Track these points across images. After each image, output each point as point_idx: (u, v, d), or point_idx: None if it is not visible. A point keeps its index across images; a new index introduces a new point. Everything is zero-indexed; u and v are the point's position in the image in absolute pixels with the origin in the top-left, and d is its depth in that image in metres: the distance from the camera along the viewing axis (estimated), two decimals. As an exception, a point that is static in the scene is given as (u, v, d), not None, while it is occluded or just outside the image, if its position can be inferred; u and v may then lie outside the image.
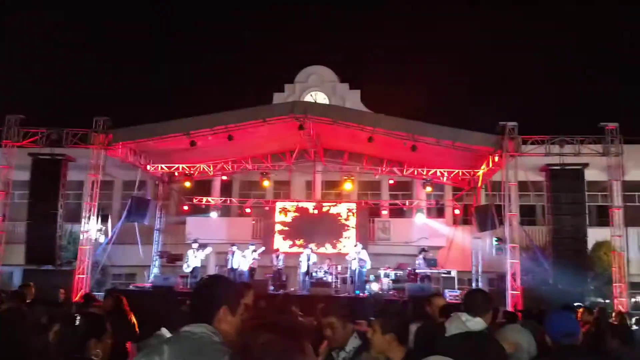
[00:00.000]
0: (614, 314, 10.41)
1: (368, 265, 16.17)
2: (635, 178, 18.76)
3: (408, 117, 15.81)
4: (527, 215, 20.42)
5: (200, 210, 20.83)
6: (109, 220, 17.99)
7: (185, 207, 20.44)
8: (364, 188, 21.70)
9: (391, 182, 19.93)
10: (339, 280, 16.50)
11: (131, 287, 16.79)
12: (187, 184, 19.49)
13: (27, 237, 15.32)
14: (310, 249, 16.84)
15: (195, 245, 16.57)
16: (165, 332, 4.02)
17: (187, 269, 16.27)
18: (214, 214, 20.70)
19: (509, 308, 12.67)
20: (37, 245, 15.06)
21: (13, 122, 15.44)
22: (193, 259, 16.28)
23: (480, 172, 16.97)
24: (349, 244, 18.81)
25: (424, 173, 18.21)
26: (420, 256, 16.59)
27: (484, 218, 16.64)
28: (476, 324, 3.23)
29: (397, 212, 21.08)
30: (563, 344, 3.15)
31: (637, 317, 12.91)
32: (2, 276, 16.00)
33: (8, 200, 15.76)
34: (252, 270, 16.86)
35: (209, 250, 16.59)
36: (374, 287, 15.91)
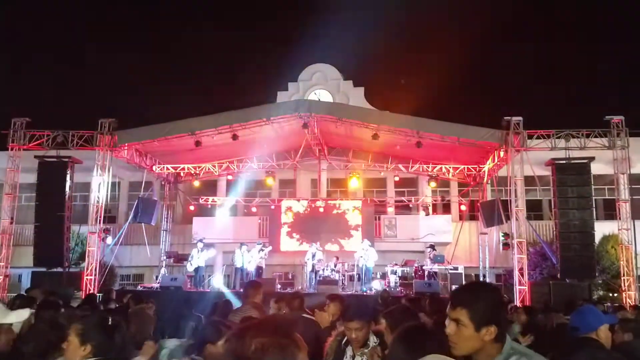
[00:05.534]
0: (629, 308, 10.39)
1: (372, 263, 16.10)
2: (642, 171, 18.67)
3: (412, 113, 15.82)
4: (534, 210, 20.38)
5: (207, 210, 20.90)
6: (116, 221, 18.06)
7: (192, 207, 20.53)
8: (369, 185, 21.69)
9: (396, 179, 19.88)
10: (345, 278, 16.51)
11: (139, 287, 16.88)
12: (194, 184, 19.56)
13: (35, 239, 15.41)
14: (315, 247, 16.85)
15: (200, 245, 16.56)
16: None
17: (190, 268, 16.29)
18: (220, 214, 20.74)
19: (517, 303, 12.66)
20: (45, 247, 15.11)
21: (19, 125, 15.54)
22: (197, 259, 16.29)
23: (486, 168, 16.95)
24: (355, 242, 18.82)
25: (430, 169, 18.20)
26: (430, 252, 16.55)
27: (491, 213, 16.62)
28: None
29: (403, 208, 21.08)
30: (573, 337, 3.22)
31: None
32: (11, 278, 16.09)
33: (15, 203, 15.83)
34: (259, 269, 16.89)
35: (212, 252, 16.55)
36: (377, 284, 15.69)
